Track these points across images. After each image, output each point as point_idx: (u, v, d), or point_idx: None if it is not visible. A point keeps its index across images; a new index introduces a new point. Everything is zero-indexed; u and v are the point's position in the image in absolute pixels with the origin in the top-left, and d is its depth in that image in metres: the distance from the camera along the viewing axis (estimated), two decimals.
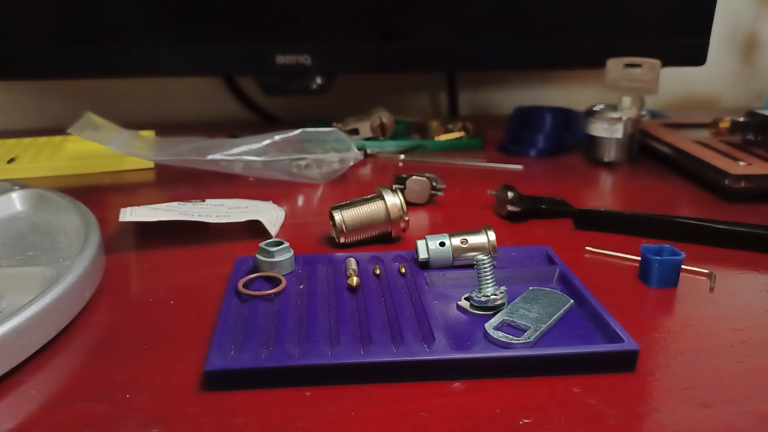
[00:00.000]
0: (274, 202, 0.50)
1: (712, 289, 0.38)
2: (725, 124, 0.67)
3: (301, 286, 0.36)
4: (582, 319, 0.33)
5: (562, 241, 0.45)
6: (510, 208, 0.48)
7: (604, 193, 0.58)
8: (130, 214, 0.42)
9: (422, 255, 0.38)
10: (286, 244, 0.38)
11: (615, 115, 0.63)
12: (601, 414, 0.26)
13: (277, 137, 0.56)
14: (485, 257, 0.34)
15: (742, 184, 0.53)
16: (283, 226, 0.47)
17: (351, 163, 0.58)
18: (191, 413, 0.26)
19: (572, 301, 0.34)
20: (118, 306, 0.35)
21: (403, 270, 0.38)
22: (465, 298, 0.35)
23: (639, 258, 0.39)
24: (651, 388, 0.28)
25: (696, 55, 0.77)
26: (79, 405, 0.27)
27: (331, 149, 0.57)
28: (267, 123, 0.87)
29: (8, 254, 0.39)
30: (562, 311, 0.33)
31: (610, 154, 0.64)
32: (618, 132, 0.63)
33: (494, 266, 0.34)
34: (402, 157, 0.67)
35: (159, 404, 0.27)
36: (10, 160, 0.60)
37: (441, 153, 0.69)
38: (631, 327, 0.33)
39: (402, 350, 0.29)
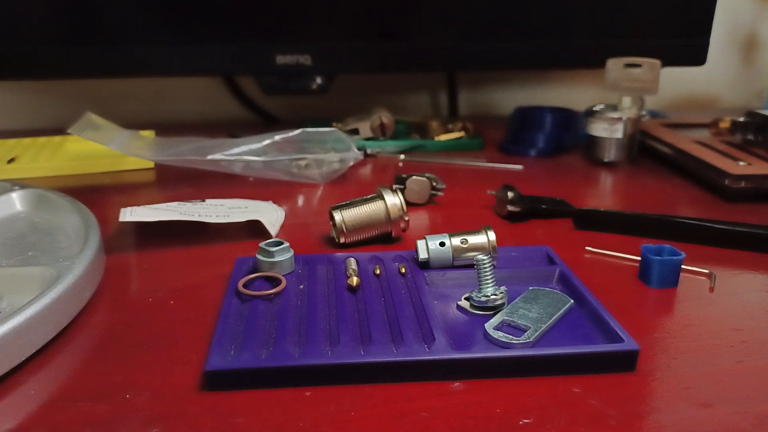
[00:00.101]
0: (274, 202, 0.50)
1: (712, 289, 0.38)
2: (725, 124, 0.67)
3: (301, 286, 0.36)
4: (582, 319, 0.33)
5: (562, 241, 0.45)
6: (510, 208, 0.48)
7: (604, 193, 0.58)
8: (130, 214, 0.42)
9: (422, 255, 0.38)
10: (286, 244, 0.38)
11: (615, 115, 0.63)
12: (601, 414, 0.26)
13: (277, 137, 0.56)
14: (485, 257, 0.34)
15: (742, 184, 0.53)
16: (283, 226, 0.47)
17: (351, 163, 0.58)
18: (191, 413, 0.26)
19: (572, 301, 0.34)
20: (118, 306, 0.35)
21: (403, 270, 0.38)
22: (465, 298, 0.35)
23: (639, 258, 0.39)
24: (651, 388, 0.28)
25: (696, 55, 0.77)
26: (79, 405, 0.27)
27: (331, 149, 0.57)
28: (267, 123, 0.87)
29: (8, 254, 0.39)
30: (562, 311, 0.33)
31: (610, 154, 0.64)
32: (618, 132, 0.63)
33: (494, 266, 0.34)
34: (402, 157, 0.67)
35: (159, 404, 0.27)
36: (10, 160, 0.60)
37: (441, 153, 0.69)
38: (631, 327, 0.33)
39: (402, 350, 0.29)
